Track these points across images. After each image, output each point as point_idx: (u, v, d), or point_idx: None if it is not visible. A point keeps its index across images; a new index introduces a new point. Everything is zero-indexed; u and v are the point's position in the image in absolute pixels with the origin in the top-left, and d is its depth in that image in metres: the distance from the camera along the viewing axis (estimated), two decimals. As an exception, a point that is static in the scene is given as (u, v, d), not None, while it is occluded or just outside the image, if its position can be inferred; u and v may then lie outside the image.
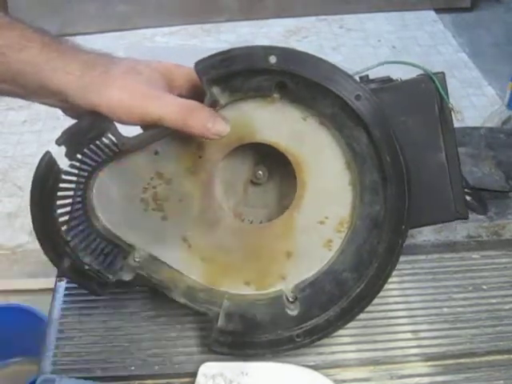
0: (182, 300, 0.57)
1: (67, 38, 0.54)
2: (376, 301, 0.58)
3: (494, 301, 0.64)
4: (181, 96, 0.53)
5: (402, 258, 0.61)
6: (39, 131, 1.94)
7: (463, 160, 0.80)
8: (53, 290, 0.65)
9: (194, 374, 0.56)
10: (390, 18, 2.60)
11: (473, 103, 2.07)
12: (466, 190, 0.71)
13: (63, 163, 0.53)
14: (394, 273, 0.57)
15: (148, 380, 0.58)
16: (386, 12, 2.63)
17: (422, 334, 0.61)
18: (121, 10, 2.44)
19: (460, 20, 2.59)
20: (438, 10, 2.64)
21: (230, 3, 2.54)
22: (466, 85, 2.16)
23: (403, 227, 0.55)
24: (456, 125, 0.59)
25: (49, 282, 1.11)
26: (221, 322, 0.56)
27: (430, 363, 0.58)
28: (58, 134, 0.52)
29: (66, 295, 0.64)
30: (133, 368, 0.58)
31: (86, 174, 0.54)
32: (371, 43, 2.43)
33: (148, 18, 2.50)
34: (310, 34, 2.52)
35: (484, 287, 0.66)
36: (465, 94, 2.10)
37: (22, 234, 1.53)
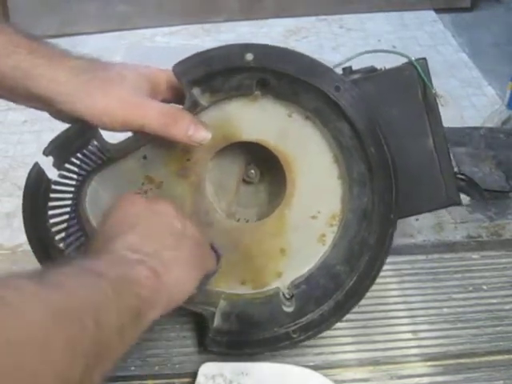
0: None
1: (58, 41, 0.54)
2: (376, 301, 0.58)
3: (494, 301, 0.64)
4: (165, 101, 0.54)
5: (401, 258, 0.62)
6: (39, 131, 1.94)
7: (463, 160, 0.80)
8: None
9: (193, 374, 0.56)
10: (389, 18, 2.60)
11: (473, 103, 2.07)
12: (457, 175, 0.71)
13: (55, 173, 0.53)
14: (394, 273, 0.57)
15: (148, 380, 0.58)
16: (386, 12, 2.63)
17: (422, 334, 0.61)
18: (121, 10, 2.45)
19: (460, 20, 2.59)
20: (437, 10, 2.65)
21: (230, 3, 2.54)
22: (465, 85, 2.16)
23: (392, 217, 0.55)
24: (447, 115, 0.59)
25: (48, 282, 1.10)
26: (217, 322, 0.56)
27: (429, 363, 0.58)
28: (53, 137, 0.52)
29: (65, 295, 0.64)
30: (133, 368, 0.58)
31: (76, 182, 0.54)
32: (371, 43, 2.43)
33: (148, 18, 2.50)
34: (309, 34, 2.52)
35: (484, 287, 0.66)
36: (465, 94, 2.10)
37: (21, 233, 1.52)
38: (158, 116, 0.50)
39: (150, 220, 0.47)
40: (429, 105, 0.58)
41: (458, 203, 0.60)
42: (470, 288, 0.66)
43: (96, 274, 0.38)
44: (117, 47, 2.25)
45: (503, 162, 0.81)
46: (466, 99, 2.07)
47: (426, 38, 2.47)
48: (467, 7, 2.62)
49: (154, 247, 0.45)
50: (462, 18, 2.60)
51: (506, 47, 2.37)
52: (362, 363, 0.59)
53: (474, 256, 0.69)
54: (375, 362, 0.58)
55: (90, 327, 0.34)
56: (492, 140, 0.85)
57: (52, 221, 0.54)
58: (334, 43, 2.45)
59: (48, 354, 0.31)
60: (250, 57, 0.51)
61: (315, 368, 0.58)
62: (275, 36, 2.48)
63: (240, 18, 2.56)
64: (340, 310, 0.56)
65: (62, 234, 0.55)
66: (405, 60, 0.58)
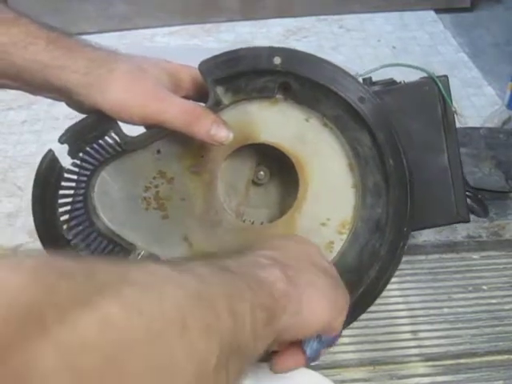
0: None
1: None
2: (376, 301, 0.58)
3: (493, 301, 0.64)
4: (187, 97, 0.53)
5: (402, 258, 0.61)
6: (39, 131, 1.94)
7: (463, 160, 0.80)
8: (53, 290, 0.65)
9: (194, 374, 0.56)
10: (389, 18, 2.60)
11: (473, 103, 2.06)
12: (467, 192, 0.71)
13: (65, 162, 0.53)
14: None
15: (148, 380, 0.57)
16: (386, 12, 2.62)
17: (422, 334, 0.61)
18: (121, 10, 2.44)
19: (460, 20, 2.59)
20: (437, 10, 2.64)
21: (230, 3, 2.54)
22: (465, 85, 2.15)
23: (405, 230, 0.55)
24: (457, 126, 0.59)
25: (49, 282, 1.11)
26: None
27: (430, 363, 0.58)
28: (57, 134, 0.52)
29: (65, 295, 0.64)
30: (133, 368, 0.58)
31: (87, 172, 0.54)
32: (371, 43, 2.42)
33: (148, 17, 2.49)
34: (309, 34, 2.51)
35: (484, 287, 0.66)
36: (465, 94, 2.09)
37: (22, 233, 1.52)
38: (180, 113, 0.50)
39: (295, 248, 0.46)
40: (447, 122, 0.58)
41: (467, 221, 0.60)
42: (470, 288, 0.66)
43: (228, 271, 0.37)
44: (117, 47, 2.25)
45: (503, 162, 0.81)
46: (466, 99, 2.06)
47: (426, 38, 2.46)
48: (467, 7, 2.62)
49: (292, 263, 0.43)
50: (462, 17, 2.60)
51: (505, 47, 2.36)
52: (362, 363, 0.59)
53: (474, 256, 0.69)
54: (375, 362, 0.59)
55: (224, 317, 0.33)
56: (492, 140, 0.85)
57: (61, 209, 0.54)
58: (333, 43, 2.44)
59: (185, 335, 0.30)
60: (277, 60, 0.51)
61: (315, 368, 0.57)
62: (275, 36, 2.48)
63: (240, 18, 2.55)
64: (346, 318, 0.56)
65: (69, 224, 0.55)
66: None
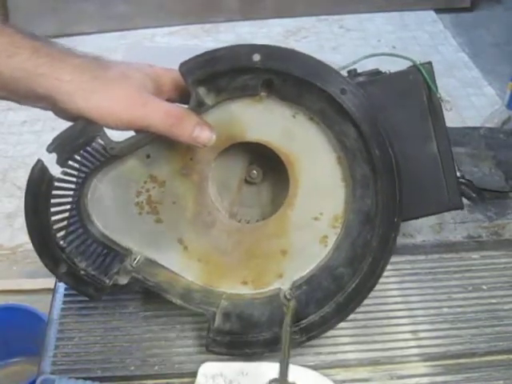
0: (179, 301, 0.57)
1: (58, 41, 0.53)
2: (376, 301, 0.58)
3: (493, 301, 0.64)
4: (170, 100, 0.54)
5: (401, 258, 0.62)
6: (39, 131, 1.94)
7: (463, 160, 0.80)
8: (53, 290, 0.65)
9: (194, 374, 0.56)
10: (389, 18, 2.60)
11: (473, 103, 2.07)
12: (460, 180, 0.71)
13: (58, 170, 0.53)
14: (394, 273, 0.57)
15: (148, 380, 0.58)
16: (386, 12, 2.62)
17: (422, 334, 0.61)
18: (121, 10, 2.44)
19: (460, 20, 2.59)
20: (437, 10, 2.64)
21: (230, 3, 2.54)
22: (465, 85, 2.16)
23: (395, 220, 0.55)
24: (447, 115, 0.59)
25: (49, 282, 1.11)
26: (218, 322, 0.56)
27: (429, 363, 0.58)
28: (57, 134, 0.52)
29: (65, 295, 0.64)
30: (133, 368, 0.58)
31: (79, 180, 0.54)
32: (371, 43, 2.43)
33: (148, 18, 2.49)
34: (309, 34, 2.52)
35: (484, 287, 0.66)
36: (465, 94, 2.09)
37: (21, 234, 1.53)
38: (163, 116, 0.50)
39: None
40: (433, 109, 0.58)
41: (460, 207, 0.60)
42: (470, 288, 0.66)
43: None
44: (117, 47, 2.25)
45: (503, 162, 0.81)
46: (465, 99, 2.07)
47: (426, 38, 2.46)
48: (467, 7, 2.62)
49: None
50: (462, 18, 2.60)
51: (505, 47, 2.37)
52: (361, 363, 0.59)
53: (474, 256, 0.69)
54: (375, 362, 0.58)
55: None
56: (492, 140, 0.84)
57: (54, 218, 0.54)
58: (334, 43, 2.44)
59: None
60: (257, 57, 0.51)
61: (315, 368, 0.57)
62: (275, 36, 2.48)
63: (240, 18, 2.55)
64: (341, 312, 0.56)
65: (64, 232, 0.55)
66: (409, 63, 0.58)
